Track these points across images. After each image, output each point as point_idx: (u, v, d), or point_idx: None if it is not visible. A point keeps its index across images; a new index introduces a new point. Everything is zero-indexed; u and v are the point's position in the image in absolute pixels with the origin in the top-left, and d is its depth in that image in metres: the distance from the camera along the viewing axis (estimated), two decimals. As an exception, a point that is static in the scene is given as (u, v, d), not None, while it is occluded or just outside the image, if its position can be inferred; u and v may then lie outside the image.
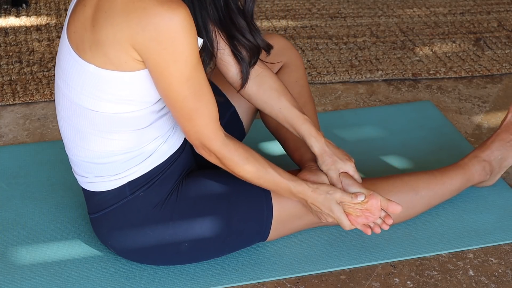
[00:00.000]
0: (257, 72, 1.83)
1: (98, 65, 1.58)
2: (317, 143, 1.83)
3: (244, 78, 1.78)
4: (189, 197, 1.77)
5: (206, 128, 1.64)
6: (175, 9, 1.50)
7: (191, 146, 1.83)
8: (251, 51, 1.73)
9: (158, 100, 1.68)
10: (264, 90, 1.84)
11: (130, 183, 1.72)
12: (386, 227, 1.80)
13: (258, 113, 2.13)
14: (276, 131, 2.03)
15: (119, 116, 1.64)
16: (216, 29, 1.68)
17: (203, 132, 1.65)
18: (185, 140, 1.80)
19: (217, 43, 1.70)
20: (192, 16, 1.58)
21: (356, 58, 2.84)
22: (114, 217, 1.75)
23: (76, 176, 1.79)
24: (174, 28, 1.51)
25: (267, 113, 1.87)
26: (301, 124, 1.84)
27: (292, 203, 1.83)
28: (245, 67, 1.76)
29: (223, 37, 1.71)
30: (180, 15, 1.51)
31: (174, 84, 1.58)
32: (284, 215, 1.83)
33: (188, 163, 1.82)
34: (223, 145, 1.67)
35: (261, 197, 1.80)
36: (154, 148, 1.72)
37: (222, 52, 1.75)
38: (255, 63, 1.77)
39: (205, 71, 1.65)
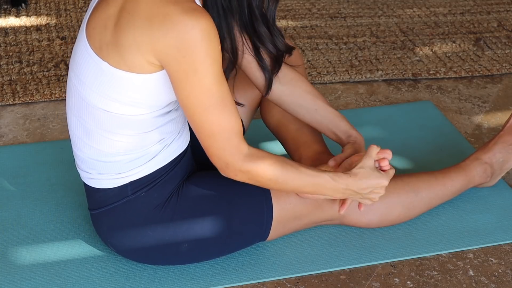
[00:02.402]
0: (290, 76, 1.87)
1: (112, 64, 1.58)
2: (358, 136, 1.89)
3: (268, 85, 1.80)
4: (189, 198, 1.77)
5: (228, 143, 1.61)
6: (198, 18, 1.50)
7: (192, 149, 1.83)
8: (273, 59, 1.72)
9: (166, 105, 1.68)
10: (299, 94, 1.88)
11: (132, 183, 1.73)
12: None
13: (258, 112, 2.13)
14: (277, 130, 2.03)
15: (126, 117, 1.64)
16: (243, 37, 1.68)
17: (225, 147, 1.61)
18: (188, 144, 1.80)
19: (242, 52, 1.70)
20: (217, 25, 1.58)
21: (356, 58, 2.84)
22: (114, 215, 1.76)
23: (79, 171, 1.79)
24: (195, 37, 1.50)
25: (301, 115, 1.90)
26: (340, 121, 1.90)
27: (292, 203, 1.83)
28: (268, 74, 1.76)
29: (249, 44, 1.70)
30: (202, 25, 1.50)
31: (194, 94, 1.56)
32: (284, 216, 1.83)
33: (189, 166, 1.82)
34: (247, 157, 1.64)
35: (261, 198, 1.80)
36: (158, 151, 1.72)
37: (247, 57, 1.75)
38: (278, 70, 1.77)
39: (227, 78, 1.64)
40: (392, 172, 1.80)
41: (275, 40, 1.69)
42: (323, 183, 1.72)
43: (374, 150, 1.78)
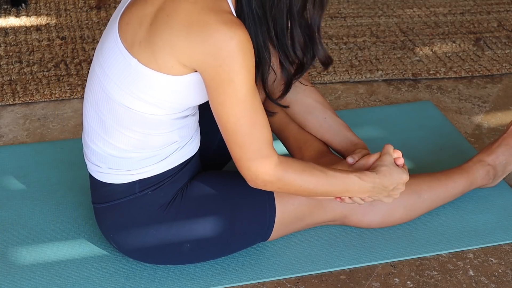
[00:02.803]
0: (303, 87, 1.92)
1: (141, 61, 1.58)
2: (364, 146, 1.92)
3: (285, 90, 1.81)
4: (193, 198, 1.77)
5: (258, 153, 1.62)
6: (237, 30, 1.52)
7: (200, 152, 1.83)
8: (297, 67, 1.72)
9: (186, 109, 1.68)
10: (309, 103, 1.93)
11: (141, 181, 1.73)
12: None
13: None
14: (279, 130, 2.03)
15: (146, 116, 1.64)
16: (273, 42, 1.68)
17: (256, 158, 1.62)
18: (198, 148, 1.81)
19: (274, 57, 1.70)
20: (252, 34, 1.59)
21: (356, 58, 2.84)
22: (119, 211, 1.76)
23: (87, 163, 1.79)
24: (232, 48, 1.52)
25: (310, 123, 1.94)
26: (347, 131, 1.95)
27: (294, 204, 1.83)
28: (289, 80, 1.76)
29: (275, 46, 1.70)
30: (240, 36, 1.52)
31: (227, 104, 1.57)
32: (286, 216, 1.83)
33: (197, 168, 1.83)
34: (277, 167, 1.65)
35: (264, 198, 1.80)
36: (171, 152, 1.72)
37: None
38: (298, 78, 1.78)
39: (265, 81, 1.67)
40: (406, 167, 1.83)
41: (315, 49, 1.68)
42: (351, 183, 1.74)
43: (391, 147, 1.81)
